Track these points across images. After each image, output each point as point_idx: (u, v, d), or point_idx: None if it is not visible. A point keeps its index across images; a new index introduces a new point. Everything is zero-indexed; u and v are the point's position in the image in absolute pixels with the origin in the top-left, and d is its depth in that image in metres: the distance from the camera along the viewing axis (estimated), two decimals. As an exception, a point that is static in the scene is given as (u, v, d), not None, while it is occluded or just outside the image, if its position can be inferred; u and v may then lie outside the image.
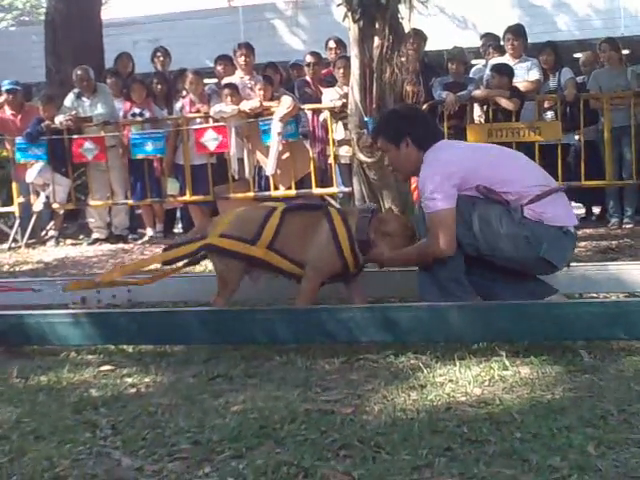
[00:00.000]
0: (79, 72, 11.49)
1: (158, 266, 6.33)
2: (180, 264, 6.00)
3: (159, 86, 11.69)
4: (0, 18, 42.25)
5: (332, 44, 11.48)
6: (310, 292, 5.61)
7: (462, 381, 4.33)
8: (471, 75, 11.30)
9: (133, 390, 4.56)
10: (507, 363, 4.57)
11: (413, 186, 9.34)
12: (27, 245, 11.24)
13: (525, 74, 10.69)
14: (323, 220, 5.65)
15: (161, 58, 12.38)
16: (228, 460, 3.42)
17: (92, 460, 3.51)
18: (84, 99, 11.47)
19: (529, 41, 11.42)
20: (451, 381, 4.35)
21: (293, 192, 10.32)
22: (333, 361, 4.86)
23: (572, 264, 5.81)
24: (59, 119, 11.14)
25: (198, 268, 7.06)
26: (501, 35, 11.32)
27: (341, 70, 10.34)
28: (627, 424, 3.59)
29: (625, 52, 11.84)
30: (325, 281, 5.71)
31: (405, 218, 6.27)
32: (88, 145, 11.07)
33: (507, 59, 10.86)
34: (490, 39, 11.77)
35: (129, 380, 4.74)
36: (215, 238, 5.70)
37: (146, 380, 4.73)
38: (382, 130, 5.74)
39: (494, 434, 3.53)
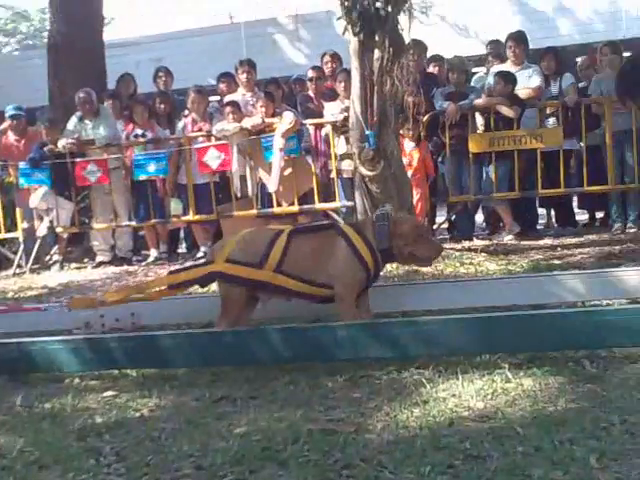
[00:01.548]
0: (81, 95, 11.50)
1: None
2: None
3: (162, 106, 11.69)
4: (5, 43, 42.42)
5: (327, 58, 11.48)
6: (349, 312, 5.56)
7: (465, 395, 4.33)
8: (472, 83, 11.31)
9: (137, 415, 4.57)
10: (509, 375, 4.57)
11: (416, 198, 9.39)
12: (31, 270, 11.23)
13: (527, 81, 10.68)
14: (337, 238, 5.66)
15: (163, 78, 12.38)
16: (231, 484, 3.43)
17: (95, 489, 3.52)
18: (87, 122, 11.48)
19: (531, 47, 11.42)
20: (454, 396, 4.35)
21: (296, 208, 10.30)
22: (336, 379, 4.86)
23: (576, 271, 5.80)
24: (62, 143, 11.14)
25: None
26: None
27: (342, 84, 10.34)
28: (629, 435, 3.59)
29: (627, 54, 11.82)
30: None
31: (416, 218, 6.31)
32: (91, 168, 11.07)
33: (509, 66, 10.86)
34: (495, 46, 11.73)
35: (132, 405, 4.75)
36: (221, 264, 5.70)
37: (149, 405, 4.74)
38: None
39: (496, 449, 3.54)
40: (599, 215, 11.69)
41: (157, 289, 6.11)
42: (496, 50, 11.56)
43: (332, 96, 10.62)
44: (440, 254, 6.30)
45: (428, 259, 6.01)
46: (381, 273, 6.17)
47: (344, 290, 5.59)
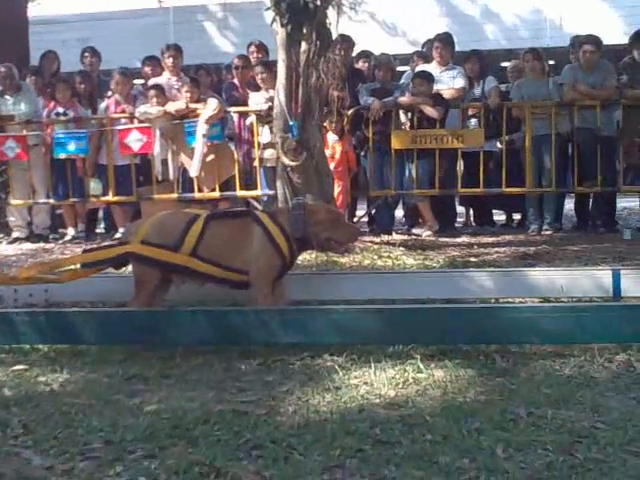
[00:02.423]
0: (2, 70, 11.29)
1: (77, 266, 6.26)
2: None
3: (82, 85, 11.56)
4: None
5: (253, 48, 11.47)
6: (264, 299, 5.57)
7: (377, 383, 4.37)
8: (402, 81, 11.39)
9: (47, 389, 4.53)
10: (421, 366, 4.62)
11: (337, 191, 9.44)
12: (-56, 243, 11.06)
13: (451, 82, 10.82)
14: (253, 225, 5.67)
15: (89, 58, 12.22)
16: (140, 460, 3.43)
17: (1, 459, 3.48)
18: (7, 97, 11.29)
19: (457, 49, 11.55)
20: (366, 383, 4.39)
21: (217, 194, 10.30)
22: (249, 362, 4.88)
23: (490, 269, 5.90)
24: (-20, 117, 10.99)
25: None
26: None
27: (259, 76, 10.36)
28: (535, 427, 3.67)
29: (550, 62, 12.02)
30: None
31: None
32: (10, 143, 10.90)
33: (434, 67, 10.99)
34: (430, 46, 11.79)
35: (43, 379, 4.71)
36: (137, 245, 5.67)
37: (60, 380, 4.69)
38: None
39: (405, 436, 3.59)
40: (516, 216, 11.86)
41: (70, 269, 6.07)
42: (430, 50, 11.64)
43: (257, 86, 10.60)
44: (357, 237, 6.37)
45: (346, 242, 6.06)
46: (299, 263, 6.20)
47: (259, 276, 5.61)
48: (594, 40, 10.61)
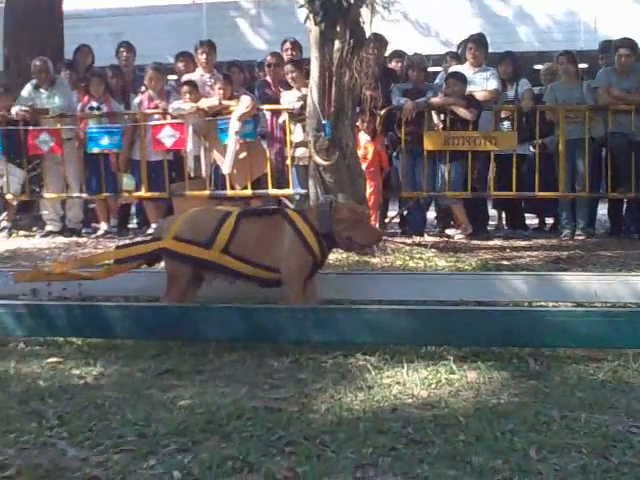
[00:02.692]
0: (37, 63, 11.37)
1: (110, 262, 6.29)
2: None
3: (114, 80, 11.60)
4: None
5: (288, 45, 11.47)
6: (296, 297, 5.60)
7: (409, 383, 4.38)
8: (436, 82, 11.37)
9: (81, 382, 4.57)
10: (454, 367, 4.63)
11: (369, 191, 9.43)
12: (-22, 236, 11.14)
13: (484, 83, 10.78)
14: (284, 223, 5.70)
15: (125, 53, 12.26)
16: (174, 453, 3.45)
17: (37, 450, 3.51)
18: (42, 91, 11.35)
19: (489, 51, 11.51)
20: (398, 383, 4.40)
21: (249, 192, 10.31)
22: (282, 360, 4.89)
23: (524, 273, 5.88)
24: (15, 110, 11.02)
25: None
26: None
27: (289, 74, 10.37)
28: (569, 430, 3.65)
29: (583, 66, 11.95)
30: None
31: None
32: (44, 137, 10.97)
33: (467, 68, 10.94)
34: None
35: (77, 372, 4.74)
36: (169, 241, 5.70)
37: (94, 373, 4.73)
38: None
39: (438, 436, 3.59)
40: (549, 221, 11.81)
41: (104, 267, 6.09)
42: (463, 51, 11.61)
43: (290, 84, 10.62)
44: (379, 240, 6.38)
45: (367, 244, 6.06)
46: (330, 263, 6.19)
47: (290, 275, 5.63)
48: (629, 44, 10.54)
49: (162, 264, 6.04)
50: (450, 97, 10.32)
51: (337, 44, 8.17)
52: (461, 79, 10.43)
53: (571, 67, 10.74)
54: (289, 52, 11.36)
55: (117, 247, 6.27)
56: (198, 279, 5.86)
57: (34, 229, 11.48)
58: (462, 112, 10.16)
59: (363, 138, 10.12)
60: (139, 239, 7.40)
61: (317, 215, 5.74)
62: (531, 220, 11.96)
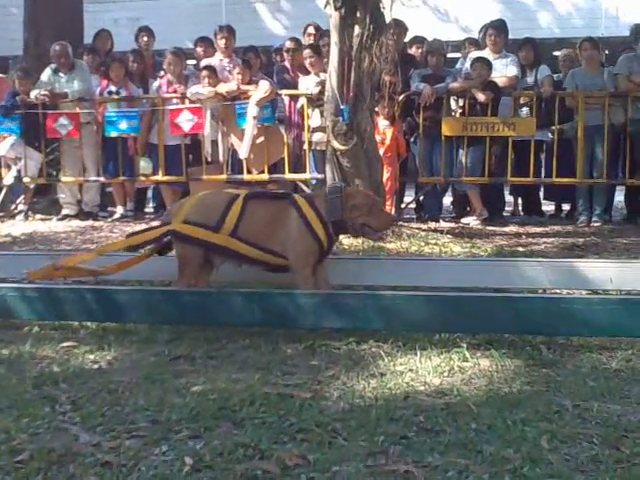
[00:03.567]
0: (57, 47, 11.39)
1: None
2: (147, 251, 6.01)
3: (135, 64, 11.62)
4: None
5: (311, 29, 11.46)
6: (305, 282, 5.59)
7: (422, 371, 4.37)
8: (457, 66, 11.35)
9: (94, 367, 4.58)
10: (467, 355, 4.62)
11: (386, 176, 9.42)
12: (-4, 218, 11.18)
13: (504, 69, 10.74)
14: (290, 208, 5.68)
15: (145, 38, 12.27)
16: (185, 439, 3.45)
17: (50, 434, 3.53)
18: (61, 75, 11.39)
19: (510, 37, 11.46)
20: (411, 370, 4.39)
21: (266, 176, 10.32)
22: (295, 346, 4.90)
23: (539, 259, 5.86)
24: (34, 93, 11.06)
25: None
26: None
27: (307, 60, 10.38)
28: (580, 419, 3.64)
29: (604, 52, 11.90)
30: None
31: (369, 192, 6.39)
32: (62, 121, 11.01)
33: (487, 54, 10.89)
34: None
35: (91, 357, 4.76)
36: (178, 224, 5.70)
37: (108, 358, 4.75)
38: None
39: (450, 424, 3.58)
40: (565, 207, 11.78)
41: (117, 248, 6.13)
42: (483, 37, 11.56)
43: (308, 69, 10.60)
44: (393, 225, 6.34)
45: (381, 229, 6.03)
46: (345, 247, 6.17)
47: (297, 261, 5.62)
48: (651, 30, 10.50)
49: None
50: (467, 81, 10.31)
51: (357, 29, 8.17)
52: (487, 64, 10.39)
53: (595, 54, 10.68)
54: (312, 37, 11.36)
55: (127, 235, 6.25)
56: (209, 264, 5.85)
57: (51, 212, 11.51)
58: (479, 96, 10.12)
59: (381, 123, 10.11)
60: (147, 226, 7.37)
61: (327, 202, 5.68)
62: (547, 206, 11.92)
